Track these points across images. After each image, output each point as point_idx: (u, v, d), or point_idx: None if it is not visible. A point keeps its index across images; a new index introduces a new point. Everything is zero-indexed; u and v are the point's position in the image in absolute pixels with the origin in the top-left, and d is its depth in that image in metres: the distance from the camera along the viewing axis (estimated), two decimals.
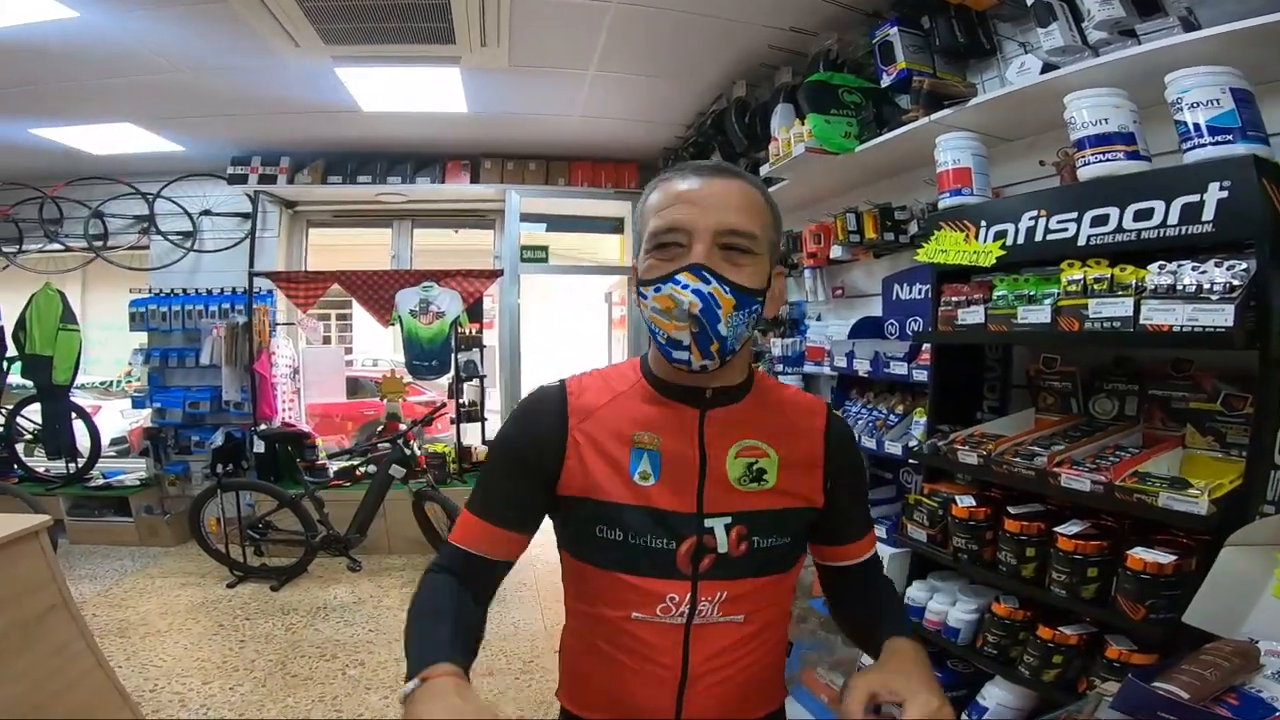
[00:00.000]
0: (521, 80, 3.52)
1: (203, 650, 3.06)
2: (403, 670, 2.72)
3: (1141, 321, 1.33)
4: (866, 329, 2.65)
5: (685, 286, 0.81)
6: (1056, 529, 1.41)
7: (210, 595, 3.74)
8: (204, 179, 4.91)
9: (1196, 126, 1.37)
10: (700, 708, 0.89)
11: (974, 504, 1.65)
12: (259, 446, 4.50)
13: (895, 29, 2.26)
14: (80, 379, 5.28)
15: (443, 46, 3.11)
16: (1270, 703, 0.80)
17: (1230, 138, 1.33)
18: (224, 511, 4.00)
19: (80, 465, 4.83)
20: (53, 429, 4.85)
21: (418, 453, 4.24)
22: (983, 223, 1.80)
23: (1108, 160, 1.52)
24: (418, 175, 4.72)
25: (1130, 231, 1.45)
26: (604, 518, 0.87)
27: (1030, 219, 1.67)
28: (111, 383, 7.08)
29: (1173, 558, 1.20)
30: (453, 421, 4.90)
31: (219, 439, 4.67)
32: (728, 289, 0.82)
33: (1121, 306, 1.38)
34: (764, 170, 2.83)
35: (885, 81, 2.33)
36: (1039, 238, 1.65)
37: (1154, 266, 1.35)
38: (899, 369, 2.26)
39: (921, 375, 2.16)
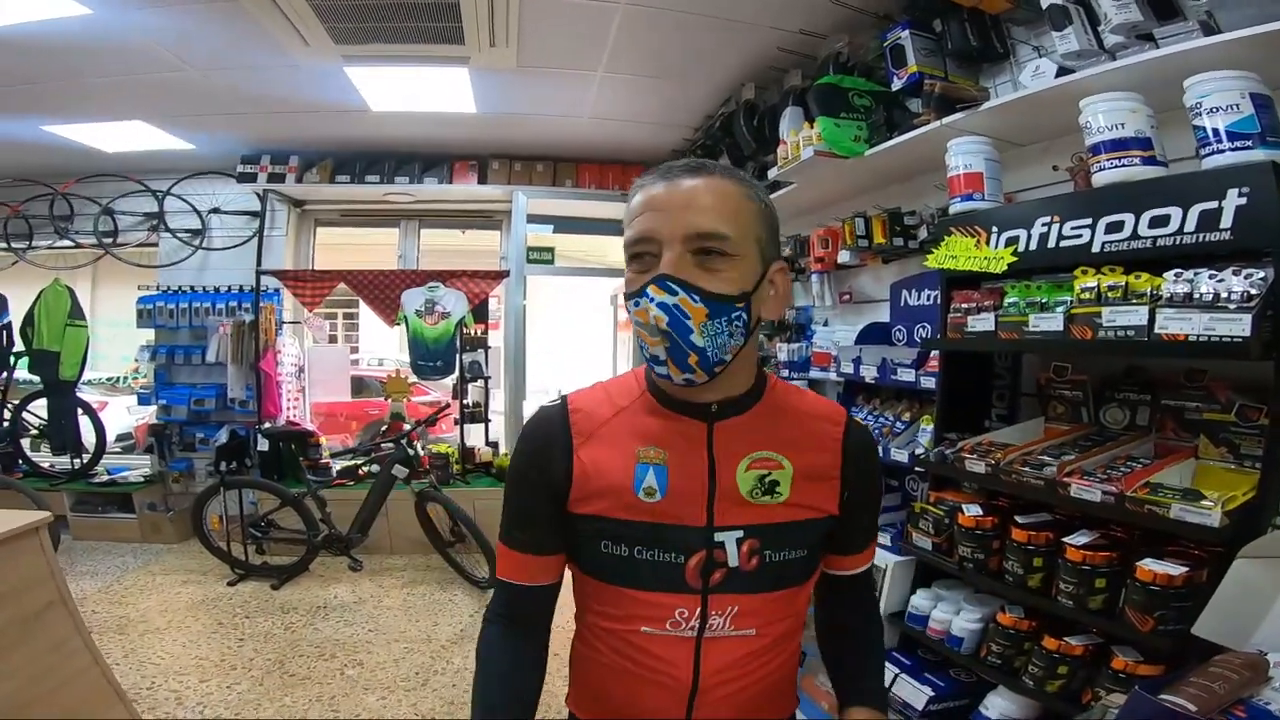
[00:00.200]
0: (530, 81, 3.51)
1: (201, 648, 3.04)
2: (401, 671, 2.71)
3: (1156, 330, 1.31)
4: (874, 335, 2.63)
5: (651, 300, 0.79)
6: (1065, 539, 1.38)
7: (211, 593, 3.73)
8: (214, 177, 4.92)
9: (1215, 132, 1.35)
10: (711, 717, 0.87)
11: (981, 513, 1.62)
12: (263, 444, 4.50)
13: (907, 32, 2.24)
14: (87, 375, 5.30)
15: (452, 46, 3.10)
16: (1278, 715, 0.78)
17: (1250, 144, 1.30)
18: (226, 509, 3.99)
19: (85, 461, 4.85)
20: (58, 424, 4.87)
21: (421, 453, 4.23)
22: (994, 228, 1.78)
23: (1123, 166, 1.49)
24: (425, 175, 4.72)
25: (1146, 239, 1.42)
26: (608, 533, 0.86)
27: (1043, 225, 1.65)
28: (118, 379, 7.10)
29: (1183, 569, 1.17)
30: (457, 422, 4.89)
31: (223, 436, 4.68)
32: (697, 298, 0.78)
33: (1136, 315, 1.35)
34: (772, 174, 2.81)
35: (896, 85, 2.31)
36: (1052, 244, 1.62)
37: (1170, 274, 1.33)
38: (906, 376, 2.24)
39: (929, 382, 2.13)
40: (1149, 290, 1.36)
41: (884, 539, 2.02)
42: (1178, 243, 1.36)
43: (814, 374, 2.87)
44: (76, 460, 4.85)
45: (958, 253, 1.87)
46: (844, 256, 2.74)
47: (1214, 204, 1.30)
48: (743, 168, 3.15)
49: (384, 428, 5.06)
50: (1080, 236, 1.56)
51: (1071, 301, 1.50)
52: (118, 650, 2.95)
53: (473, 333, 4.84)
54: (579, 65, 3.33)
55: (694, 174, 0.82)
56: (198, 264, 5.00)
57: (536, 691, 0.93)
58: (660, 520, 0.84)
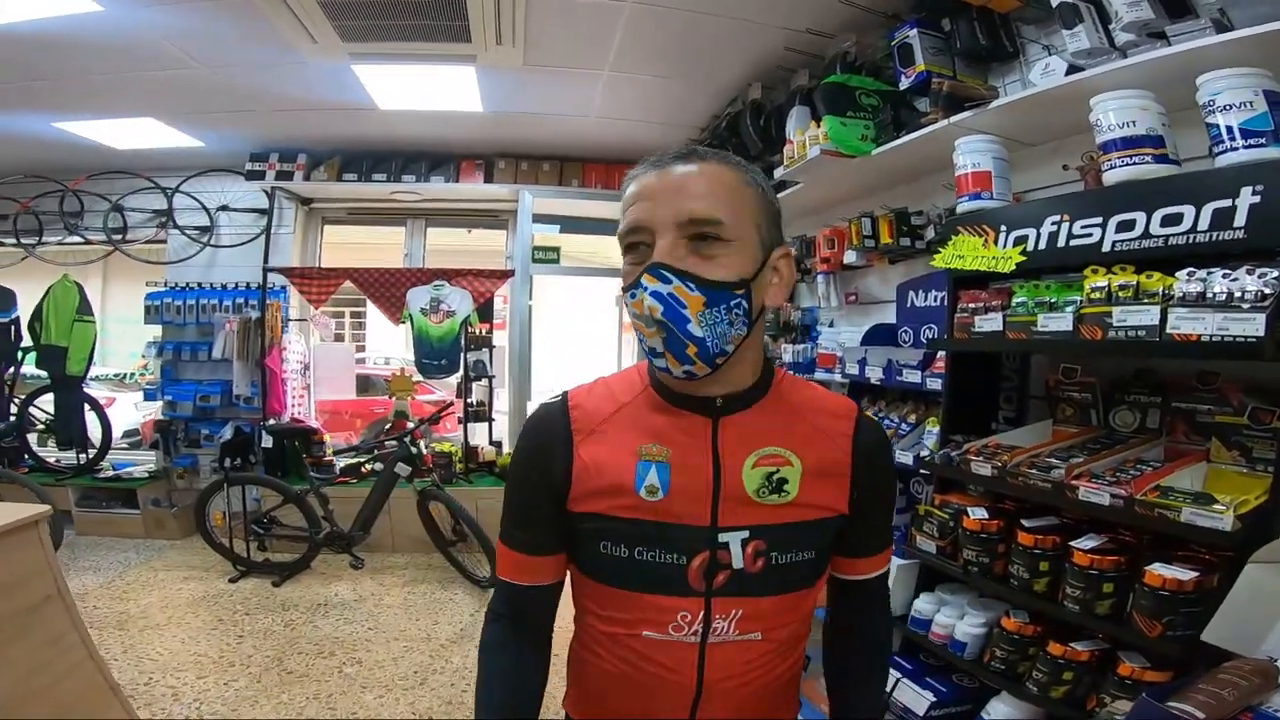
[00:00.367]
0: (536, 80, 3.50)
1: (200, 645, 3.04)
2: (400, 669, 2.69)
3: (1168, 331, 1.29)
4: (880, 336, 2.60)
5: (646, 289, 0.76)
6: (1072, 543, 1.36)
7: (212, 589, 3.73)
8: (223, 174, 4.94)
9: (1229, 129, 1.33)
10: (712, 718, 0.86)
11: (986, 516, 1.60)
12: (267, 441, 4.50)
13: (915, 30, 2.21)
14: (96, 371, 5.32)
15: (458, 45, 3.10)
16: None
17: (1263, 141, 1.28)
18: (230, 505, 4.00)
19: (90, 456, 4.86)
20: (65, 420, 4.88)
21: (424, 451, 4.22)
22: (1003, 227, 1.76)
23: (1135, 164, 1.48)
24: (432, 174, 4.72)
25: (1158, 237, 1.40)
26: (608, 533, 0.83)
27: (1053, 224, 1.63)
28: (125, 375, 7.14)
29: (1194, 574, 1.15)
30: (460, 421, 4.89)
31: (228, 433, 4.67)
32: (693, 286, 0.76)
33: (1147, 315, 1.33)
34: (778, 173, 2.79)
35: (904, 84, 2.28)
36: (1061, 243, 1.60)
37: (1183, 274, 1.31)
38: (912, 377, 2.21)
39: (935, 384, 2.11)
40: (1160, 290, 1.34)
41: None
42: (1190, 242, 1.33)
43: (819, 375, 2.84)
44: (82, 455, 4.86)
45: (965, 252, 1.85)
46: (850, 257, 2.72)
47: (1227, 202, 1.28)
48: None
49: (388, 426, 5.06)
50: (1090, 235, 1.54)
51: (1081, 301, 1.48)
52: (117, 646, 2.95)
53: (477, 332, 4.84)
54: (585, 64, 3.32)
55: (686, 160, 0.80)
56: (206, 261, 5.01)
57: (539, 691, 0.92)
58: (662, 519, 0.81)
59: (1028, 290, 1.63)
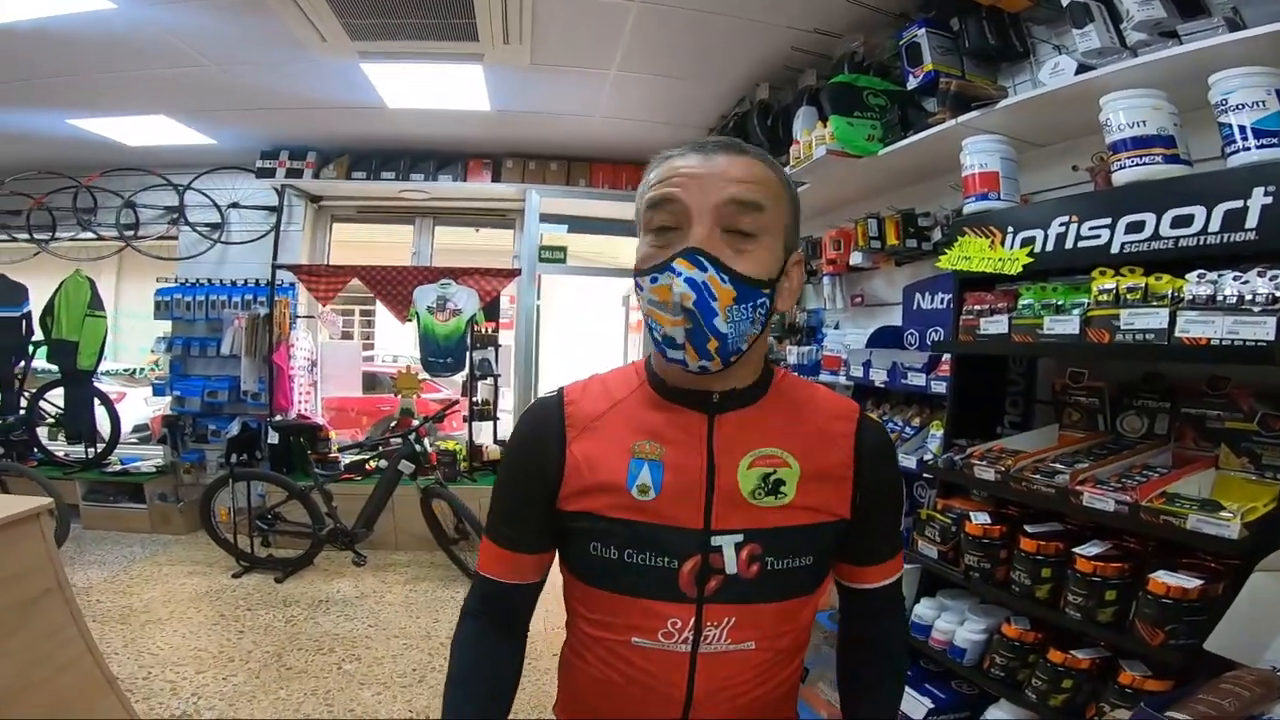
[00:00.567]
0: (543, 79, 3.50)
1: (201, 639, 3.05)
2: (398, 667, 2.69)
3: (1177, 334, 1.26)
4: (885, 338, 2.58)
5: (679, 274, 0.72)
6: (1075, 549, 1.33)
7: (215, 585, 3.74)
8: (234, 172, 4.97)
9: (1241, 129, 1.30)
10: None
11: (989, 521, 1.57)
12: (273, 437, 4.52)
13: (923, 30, 2.19)
14: (106, 366, 5.36)
15: (466, 44, 3.10)
16: None
17: (1276, 141, 1.26)
18: (235, 501, 4.01)
19: (99, 451, 4.90)
20: (74, 414, 4.93)
21: (429, 449, 4.22)
22: (1010, 229, 1.73)
23: (1145, 164, 1.45)
24: (440, 173, 4.74)
25: (1167, 239, 1.37)
26: (598, 534, 0.80)
27: (1060, 225, 1.60)
28: (135, 370, 7.20)
29: (1198, 582, 1.12)
30: (465, 419, 4.89)
31: (235, 428, 4.70)
32: (726, 278, 0.73)
33: (1156, 318, 1.30)
34: None
35: (911, 83, 2.26)
36: (1069, 245, 1.58)
37: (1193, 276, 1.28)
38: (917, 380, 2.19)
39: (940, 387, 2.08)
40: (1170, 292, 1.31)
41: None
42: (1201, 243, 1.31)
43: (824, 377, 2.81)
44: (91, 450, 4.90)
45: (971, 254, 1.82)
46: (856, 258, 2.70)
47: (1239, 203, 1.25)
48: None
49: (393, 423, 5.07)
50: (1099, 237, 1.51)
51: (1088, 304, 1.45)
52: (118, 640, 2.96)
53: (483, 330, 4.84)
54: (593, 64, 3.32)
55: (728, 150, 0.77)
56: (216, 257, 5.04)
57: (511, 691, 0.89)
58: (653, 521, 0.78)
59: (1034, 292, 1.60)
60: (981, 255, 1.79)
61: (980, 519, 1.59)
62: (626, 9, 2.76)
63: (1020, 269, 1.66)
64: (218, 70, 3.46)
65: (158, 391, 5.21)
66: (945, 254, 1.89)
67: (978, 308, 1.74)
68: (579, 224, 5.26)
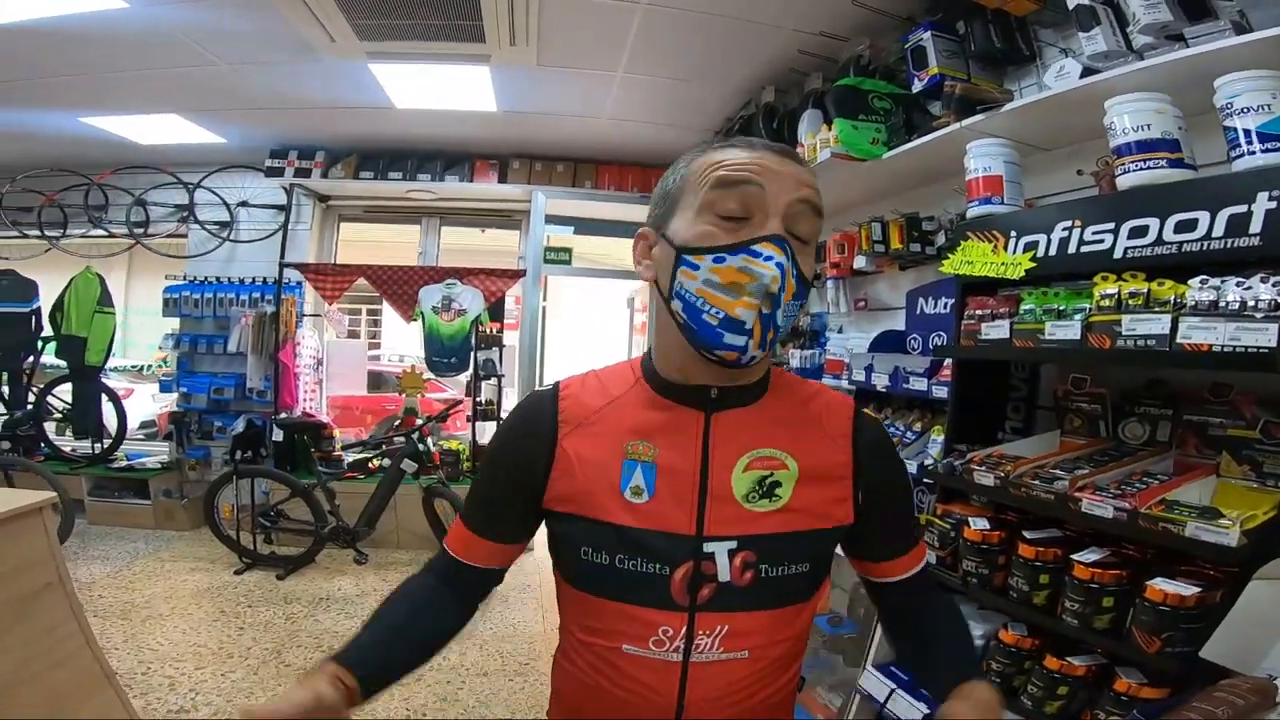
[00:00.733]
0: (550, 80, 3.51)
1: (201, 635, 3.06)
2: None
3: (1179, 340, 1.25)
4: (888, 343, 2.57)
5: (769, 259, 0.72)
6: (1073, 556, 1.31)
7: (217, 581, 3.76)
8: (243, 171, 5.01)
9: (1246, 133, 1.28)
10: None
11: (988, 527, 1.56)
12: (278, 435, 4.54)
13: (928, 33, 2.19)
14: (115, 362, 5.40)
15: (473, 45, 3.12)
16: None
17: None
18: (239, 498, 4.03)
19: (105, 446, 4.93)
20: (82, 409, 4.96)
21: (432, 449, 4.23)
22: (1012, 233, 1.72)
23: (1149, 168, 1.43)
24: (447, 173, 4.76)
25: (1171, 244, 1.36)
26: (589, 537, 0.79)
27: (1063, 229, 1.59)
28: (144, 366, 7.25)
29: (1195, 590, 1.11)
30: (469, 419, 4.89)
31: (240, 426, 4.72)
32: (795, 274, 0.74)
33: (1157, 324, 1.29)
34: None
35: (917, 87, 2.25)
36: (1072, 249, 1.56)
37: (1195, 281, 1.27)
38: (918, 384, 2.18)
39: (941, 392, 2.07)
40: (1172, 298, 1.30)
41: None
42: (1204, 248, 1.29)
43: (826, 381, 2.81)
44: (97, 445, 4.94)
45: (974, 258, 1.81)
46: (860, 262, 2.69)
47: (1243, 208, 1.24)
48: None
49: (397, 422, 5.08)
50: (1102, 242, 1.50)
51: (1090, 309, 1.44)
52: (118, 635, 2.97)
53: (488, 331, 4.85)
54: (599, 65, 3.32)
55: (793, 157, 0.78)
56: (225, 255, 5.07)
57: (434, 642, 0.87)
58: (645, 526, 0.77)
59: (1036, 297, 1.59)
60: (984, 260, 1.78)
61: (979, 524, 1.58)
62: (633, 11, 2.77)
63: (1023, 274, 1.65)
64: (228, 70, 3.49)
65: (165, 388, 5.24)
66: (948, 258, 1.88)
67: (979, 312, 1.73)
68: (585, 225, 5.27)
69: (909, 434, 2.29)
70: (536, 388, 0.89)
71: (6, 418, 4.74)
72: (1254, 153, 1.27)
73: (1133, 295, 1.36)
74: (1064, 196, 1.91)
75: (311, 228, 5.14)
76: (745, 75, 3.28)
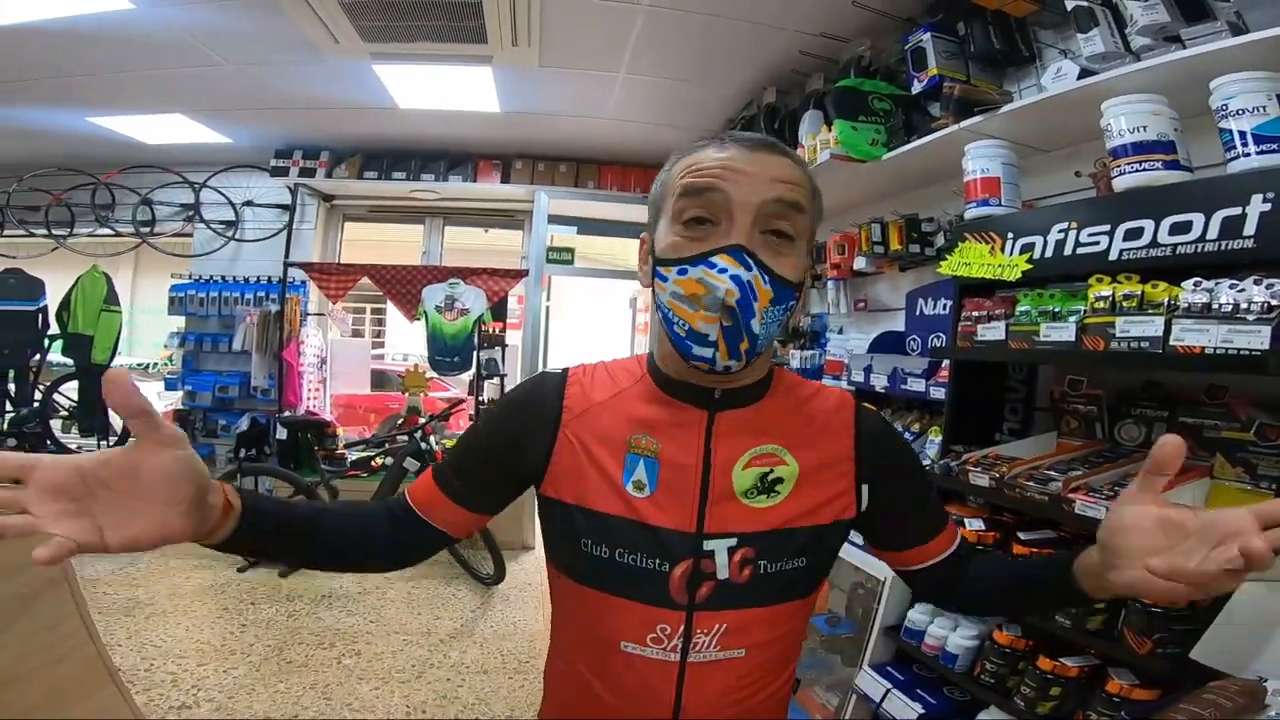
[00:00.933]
0: (552, 80, 3.52)
1: (204, 632, 3.08)
2: (398, 662, 2.70)
3: (1172, 342, 1.25)
4: (888, 344, 2.57)
5: (723, 271, 0.70)
6: None
7: (220, 579, 3.78)
8: (248, 170, 5.03)
9: (1241, 135, 1.28)
10: None
11: (983, 528, 1.57)
12: (281, 433, 4.56)
13: (928, 34, 2.19)
14: (120, 360, 5.43)
15: (475, 46, 3.13)
16: None
17: (1276, 147, 1.24)
18: None
19: (111, 444, 4.96)
20: (88, 407, 5.00)
21: (435, 448, 4.25)
22: (1010, 234, 1.73)
23: (1144, 170, 1.44)
24: (450, 173, 4.77)
25: (1165, 246, 1.36)
26: (590, 530, 0.78)
27: (1060, 231, 1.59)
28: (149, 365, 7.30)
29: None
30: (471, 418, 4.91)
31: (244, 424, 4.75)
32: (767, 279, 0.71)
33: (1151, 326, 1.29)
34: None
35: (916, 88, 2.26)
36: (1068, 251, 1.57)
37: (1189, 283, 1.27)
38: (916, 385, 2.18)
39: (939, 393, 2.08)
40: (1166, 300, 1.30)
41: None
42: (1198, 250, 1.29)
43: (826, 381, 2.81)
44: (103, 443, 4.97)
45: (971, 259, 1.82)
46: (860, 263, 2.69)
47: (1237, 210, 1.24)
48: None
49: (400, 421, 5.10)
50: (1097, 244, 1.50)
51: (1085, 311, 1.44)
52: (122, 632, 2.99)
53: (490, 330, 4.87)
54: (601, 66, 3.33)
55: (770, 149, 0.75)
56: (230, 254, 5.11)
57: (353, 554, 0.85)
58: (645, 520, 0.76)
59: (1031, 299, 1.59)
60: (981, 261, 1.78)
61: (974, 525, 1.59)
62: (634, 12, 2.77)
63: (1019, 275, 1.65)
64: (234, 70, 3.51)
65: (170, 386, 5.28)
66: (947, 259, 1.89)
67: (976, 314, 1.73)
68: (587, 225, 5.28)
69: (907, 434, 2.29)
70: (545, 370, 0.88)
71: (13, 415, 4.78)
72: (1249, 154, 1.27)
73: (1127, 297, 1.36)
74: (1062, 198, 1.91)
75: (316, 227, 5.16)
76: (747, 76, 3.29)
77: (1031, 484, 1.44)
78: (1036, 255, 1.63)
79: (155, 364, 7.20)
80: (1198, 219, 1.31)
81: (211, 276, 5.00)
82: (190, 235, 5.17)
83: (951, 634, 1.63)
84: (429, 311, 4.75)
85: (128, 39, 3.15)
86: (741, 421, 0.79)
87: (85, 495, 0.57)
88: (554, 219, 5.01)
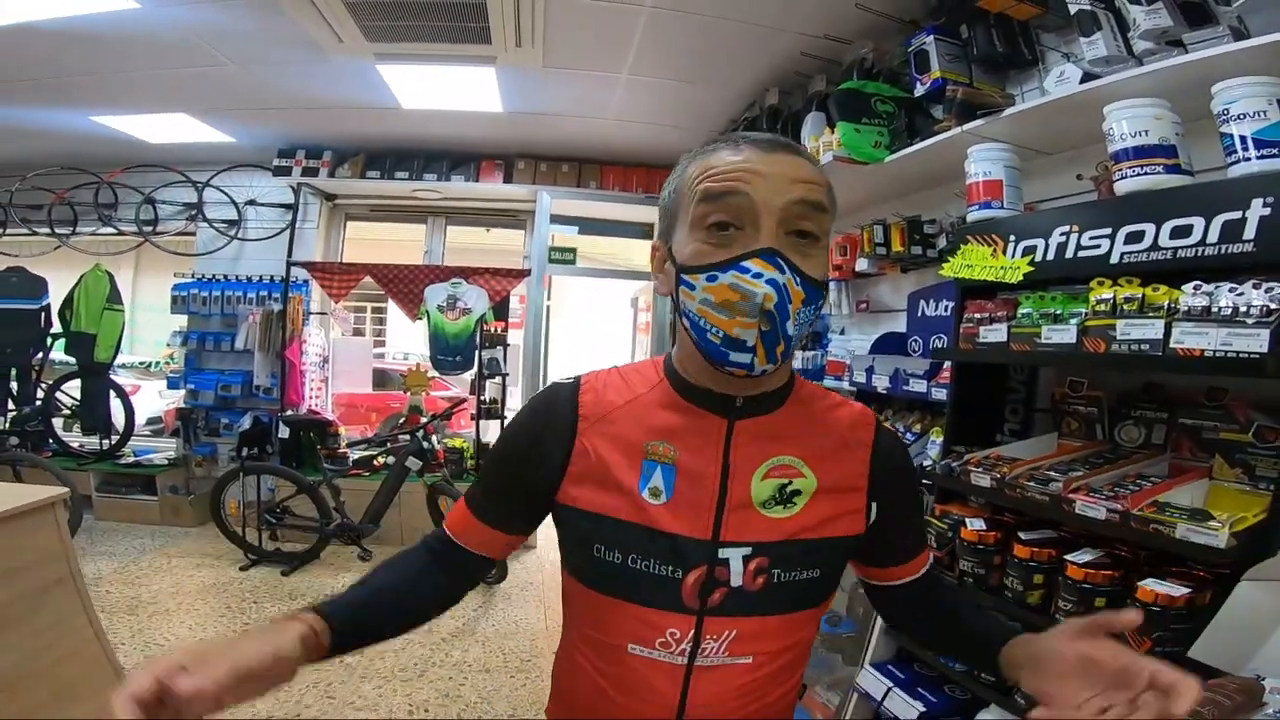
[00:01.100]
0: (555, 81, 3.54)
1: (207, 631, 3.10)
2: (399, 661, 2.72)
3: (1172, 345, 1.26)
4: (889, 345, 2.58)
5: (759, 276, 0.69)
6: (1067, 557, 1.33)
7: (223, 577, 3.79)
8: (251, 170, 5.05)
9: (1242, 139, 1.29)
10: None
11: (984, 527, 1.58)
12: (284, 432, 4.57)
13: (931, 37, 2.20)
14: (122, 359, 5.45)
15: (479, 46, 3.15)
16: None
17: (1276, 152, 1.25)
18: (245, 495, 4.06)
19: (113, 442, 4.97)
20: (90, 405, 5.00)
21: (437, 447, 4.26)
22: (1012, 237, 1.74)
23: (1146, 174, 1.45)
24: (453, 173, 4.79)
25: (1166, 250, 1.37)
26: (602, 536, 0.77)
27: (1061, 234, 1.61)
28: (151, 363, 7.31)
29: (1185, 590, 1.12)
30: (473, 418, 4.93)
31: (247, 422, 4.76)
32: (799, 280, 0.70)
33: (1151, 329, 1.30)
34: None
35: (919, 90, 2.27)
36: (1069, 254, 1.58)
37: (1189, 287, 1.28)
38: (918, 386, 2.19)
39: (941, 394, 2.09)
40: (1166, 303, 1.31)
41: None
42: (1199, 254, 1.30)
43: (827, 382, 2.82)
44: (105, 441, 4.98)
45: (973, 261, 1.83)
46: (862, 264, 2.71)
47: (1237, 214, 1.25)
48: None
49: (402, 420, 5.11)
50: (1099, 247, 1.51)
51: (1086, 313, 1.45)
52: (125, 630, 3.00)
53: (492, 330, 4.88)
54: (604, 67, 3.35)
55: (787, 149, 0.74)
56: (233, 253, 5.12)
57: (423, 613, 0.87)
58: (661, 527, 0.76)
59: (1033, 301, 1.61)
60: (984, 263, 1.79)
61: (976, 525, 1.60)
62: (638, 13, 2.79)
63: (1021, 278, 1.66)
64: (238, 70, 3.52)
65: (172, 385, 5.29)
66: (949, 261, 1.90)
67: (978, 316, 1.74)
68: (589, 225, 5.30)
69: (908, 435, 2.30)
70: (557, 380, 0.87)
71: (15, 414, 4.79)
72: (1249, 159, 1.28)
73: (1128, 300, 1.37)
74: (1064, 200, 1.92)
75: (318, 226, 5.18)
76: (749, 77, 3.30)
77: (1032, 484, 1.45)
78: (1038, 258, 1.64)
79: (157, 363, 7.21)
80: (1198, 223, 1.32)
81: (214, 275, 5.02)
82: (193, 234, 5.18)
83: None
84: (431, 311, 4.77)
85: (133, 39, 3.16)
86: (760, 429, 0.79)
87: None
88: (556, 219, 5.03)
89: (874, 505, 0.82)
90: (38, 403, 4.91)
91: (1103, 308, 1.42)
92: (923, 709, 1.66)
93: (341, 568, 4.05)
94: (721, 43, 2.98)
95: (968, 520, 1.62)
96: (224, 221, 5.09)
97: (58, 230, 4.96)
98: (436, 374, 5.10)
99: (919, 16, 2.43)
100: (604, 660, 0.80)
